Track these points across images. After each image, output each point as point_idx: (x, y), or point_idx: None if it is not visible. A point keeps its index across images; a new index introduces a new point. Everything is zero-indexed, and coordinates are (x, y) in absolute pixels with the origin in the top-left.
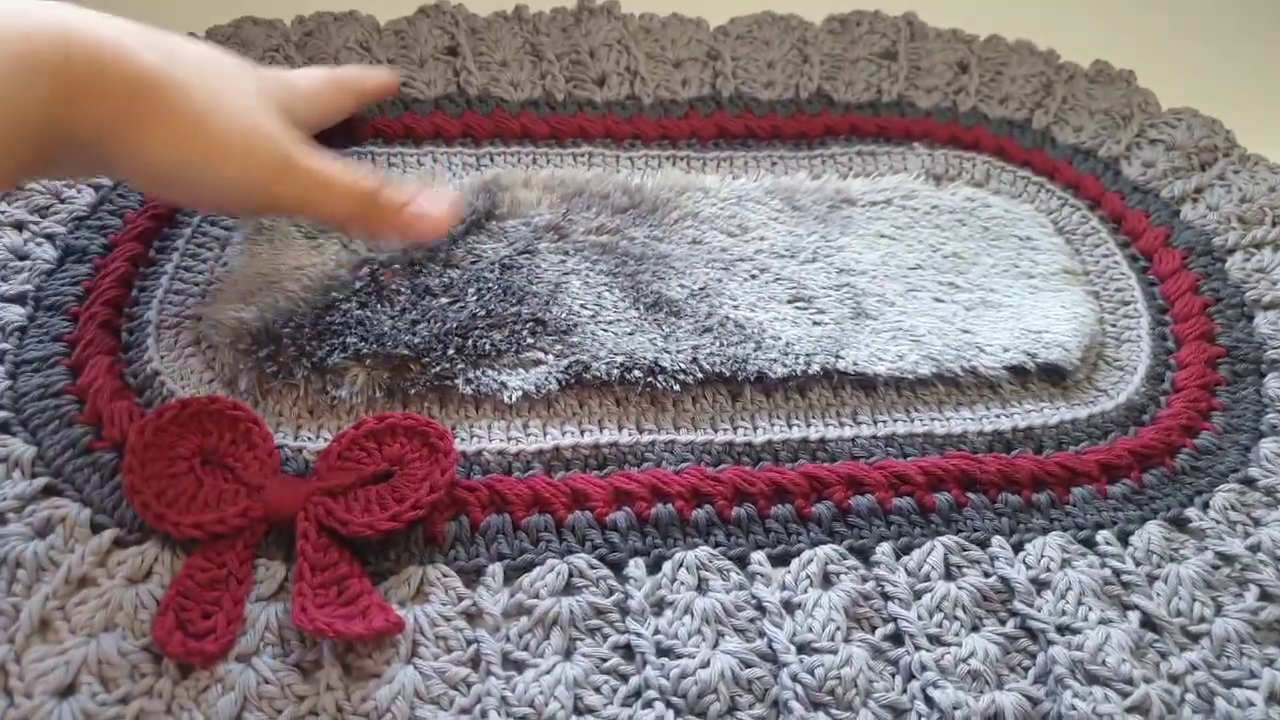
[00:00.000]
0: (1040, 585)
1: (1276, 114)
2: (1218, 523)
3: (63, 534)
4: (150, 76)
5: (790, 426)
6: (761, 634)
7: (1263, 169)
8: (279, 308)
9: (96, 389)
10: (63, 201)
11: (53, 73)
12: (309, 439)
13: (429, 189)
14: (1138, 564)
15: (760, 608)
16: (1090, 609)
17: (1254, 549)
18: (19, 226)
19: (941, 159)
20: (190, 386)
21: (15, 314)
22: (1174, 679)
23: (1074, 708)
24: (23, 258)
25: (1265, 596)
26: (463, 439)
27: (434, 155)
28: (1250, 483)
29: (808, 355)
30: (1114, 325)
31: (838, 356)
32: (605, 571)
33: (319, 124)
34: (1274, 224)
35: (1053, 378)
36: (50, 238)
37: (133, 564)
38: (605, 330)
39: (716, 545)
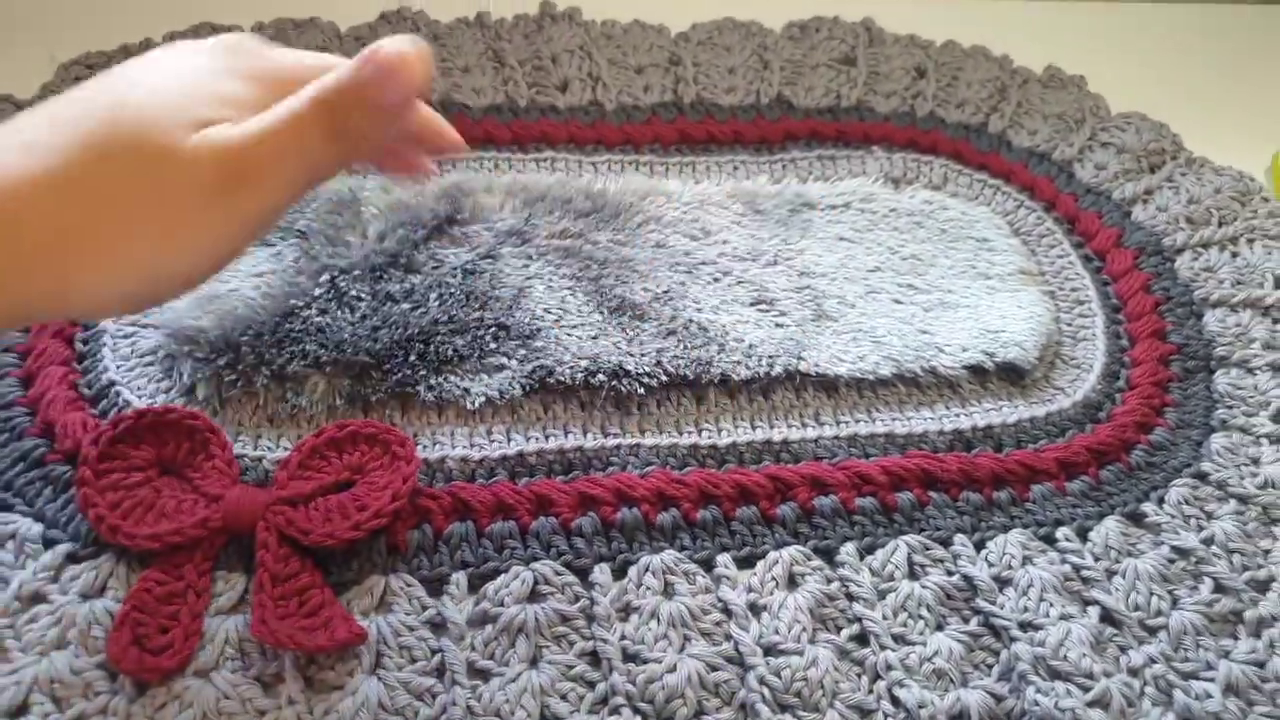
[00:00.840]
0: (1002, 583)
1: (1219, 118)
2: (1173, 517)
3: (13, 549)
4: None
5: (754, 428)
6: (728, 637)
7: (1208, 171)
8: (237, 315)
9: (49, 400)
10: None
11: None
12: (269, 448)
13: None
14: (1097, 559)
15: (727, 611)
16: (1051, 605)
17: (1208, 542)
18: None
19: (900, 162)
20: (147, 396)
21: None
22: (1133, 672)
23: (1037, 703)
24: None
25: (1219, 589)
26: (425, 446)
27: None
28: (1203, 477)
29: (770, 357)
30: (1070, 324)
31: (800, 358)
32: (571, 578)
33: None
34: (1220, 224)
35: (1011, 376)
36: None
37: (86, 579)
38: (569, 334)
39: (682, 549)
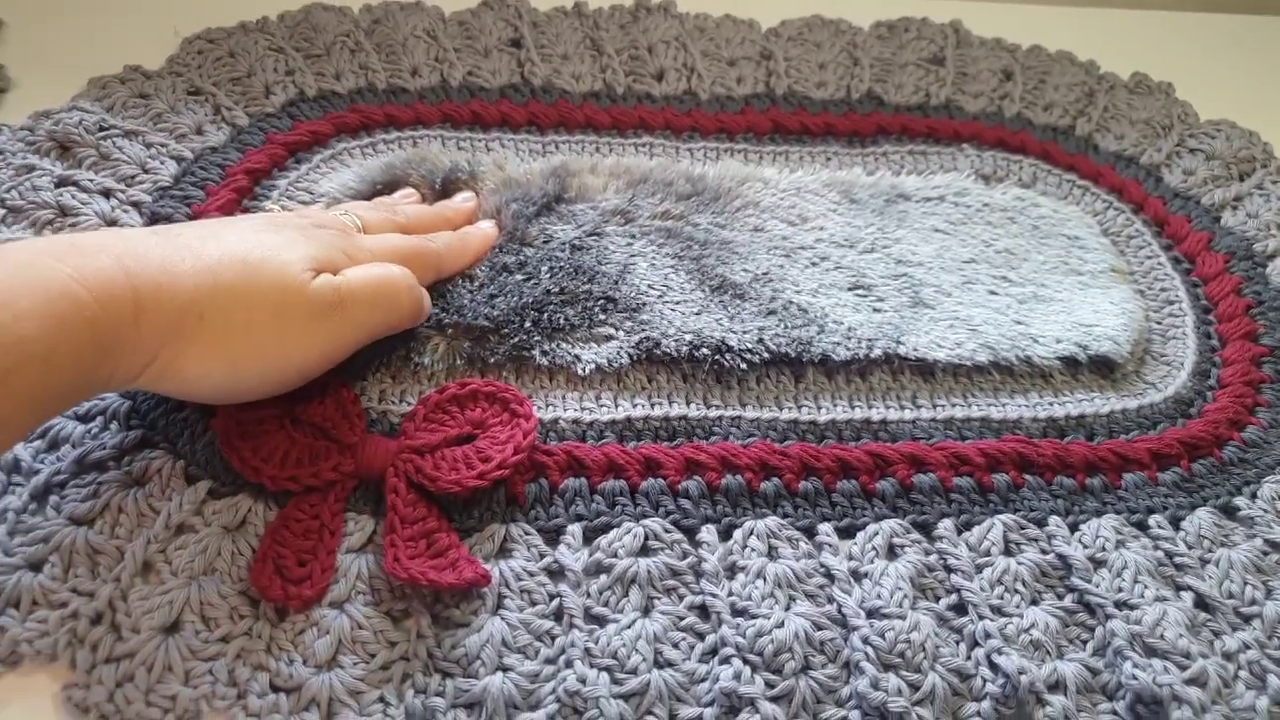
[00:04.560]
0: (1096, 564)
1: None
2: (1265, 511)
3: (159, 483)
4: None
5: (852, 407)
6: (831, 600)
7: None
8: None
9: None
10: (147, 171)
11: (93, 323)
12: (393, 403)
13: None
14: (1189, 547)
15: (829, 575)
16: (1146, 587)
17: None
18: (107, 194)
19: (990, 160)
20: None
21: None
22: (1228, 656)
23: (1135, 678)
24: (111, 223)
25: None
26: (539, 407)
27: (501, 141)
28: None
29: (869, 340)
30: (1159, 323)
31: (898, 342)
32: (679, 535)
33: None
34: None
35: (1103, 369)
36: (136, 205)
37: (227, 514)
38: (673, 309)
39: (785, 516)
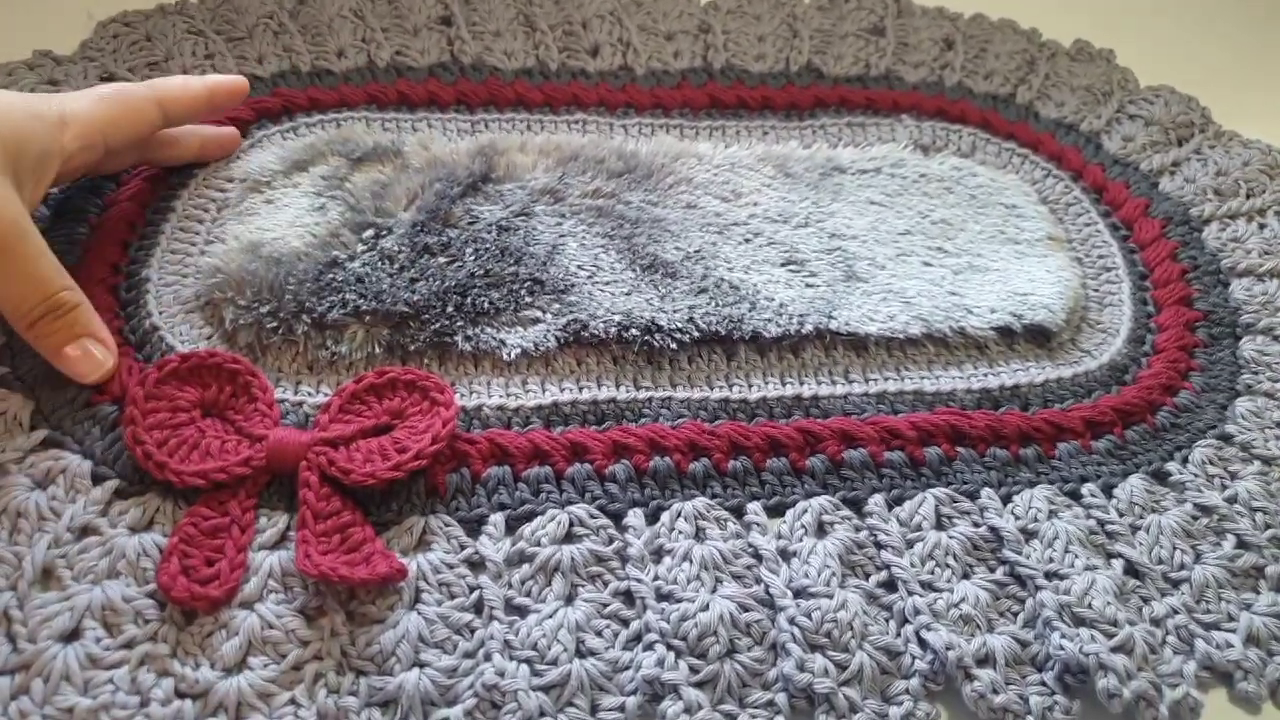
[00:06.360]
0: (1028, 535)
1: (1248, 92)
2: (1196, 476)
3: (63, 485)
4: None
5: (784, 384)
6: (758, 580)
7: (1236, 144)
8: (279, 265)
9: None
10: None
11: None
12: (309, 394)
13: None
14: (1121, 515)
15: (757, 555)
16: (1076, 556)
17: (1231, 500)
18: None
19: (929, 130)
20: (189, 342)
21: None
22: (1156, 622)
23: (1062, 648)
24: None
25: (1242, 545)
26: (463, 395)
27: (429, 121)
28: (1227, 439)
29: (801, 316)
30: (1096, 290)
31: (830, 317)
32: (605, 521)
33: (100, 147)
34: (1248, 196)
35: (1038, 339)
36: (43, 199)
37: (134, 514)
38: (602, 290)
39: (714, 496)
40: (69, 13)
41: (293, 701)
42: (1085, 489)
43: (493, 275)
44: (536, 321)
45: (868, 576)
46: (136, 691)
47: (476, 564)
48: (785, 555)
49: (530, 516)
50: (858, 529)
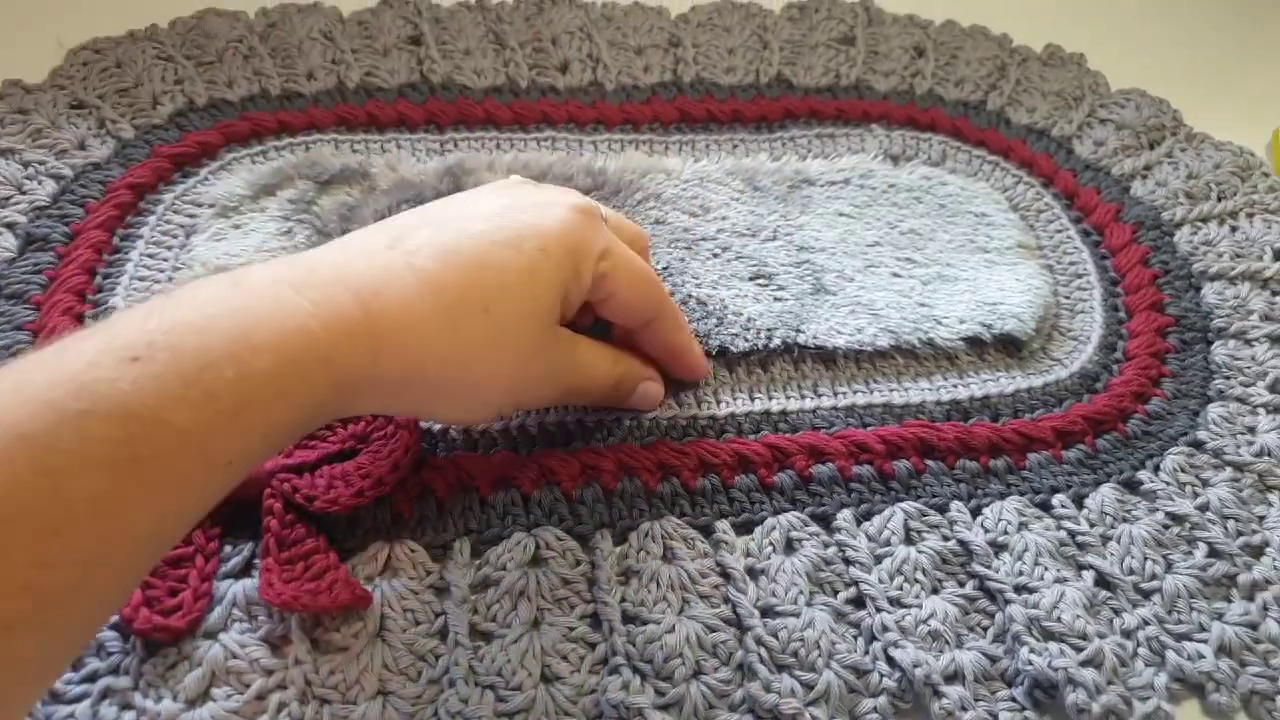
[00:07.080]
0: (998, 548)
1: (1220, 94)
2: (1168, 484)
3: None
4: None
5: (752, 399)
6: (726, 600)
7: (1208, 147)
8: None
9: None
10: (23, 192)
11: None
12: None
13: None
14: (1092, 525)
15: (725, 574)
16: (1046, 569)
17: (1203, 508)
18: None
19: (899, 139)
20: None
21: None
22: (1127, 634)
23: (1030, 663)
24: None
25: (1213, 554)
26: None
27: (398, 142)
28: (1199, 445)
29: (769, 330)
30: (1068, 297)
31: (798, 331)
32: (572, 543)
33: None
34: (1219, 199)
35: (1008, 348)
36: (10, 227)
37: None
38: None
39: (682, 515)
40: (38, 41)
41: None
42: (1056, 500)
43: None
44: None
45: (836, 593)
46: None
47: (442, 590)
48: (753, 574)
49: (496, 540)
50: (826, 545)
